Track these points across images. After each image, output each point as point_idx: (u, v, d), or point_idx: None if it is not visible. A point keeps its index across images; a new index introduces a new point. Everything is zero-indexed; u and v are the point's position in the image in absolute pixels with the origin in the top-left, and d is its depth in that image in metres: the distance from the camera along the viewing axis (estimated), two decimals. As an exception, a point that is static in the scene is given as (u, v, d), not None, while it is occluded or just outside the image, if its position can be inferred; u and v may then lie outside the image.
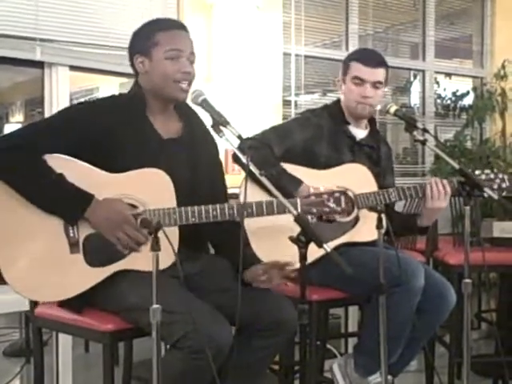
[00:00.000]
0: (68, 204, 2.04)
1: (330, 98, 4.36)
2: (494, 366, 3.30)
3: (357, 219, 2.56)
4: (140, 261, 2.02)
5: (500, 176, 2.53)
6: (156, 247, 1.71)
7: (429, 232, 2.80)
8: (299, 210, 2.06)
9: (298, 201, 2.13)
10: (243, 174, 2.03)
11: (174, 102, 2.21)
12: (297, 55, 4.37)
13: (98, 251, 2.05)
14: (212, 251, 2.38)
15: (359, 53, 2.85)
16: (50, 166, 2.04)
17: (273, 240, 2.26)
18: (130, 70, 2.26)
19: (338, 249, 2.46)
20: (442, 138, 5.14)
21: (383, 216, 2.13)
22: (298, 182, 2.52)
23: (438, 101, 5.32)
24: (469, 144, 5.01)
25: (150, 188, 2.08)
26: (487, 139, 5.06)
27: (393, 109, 2.58)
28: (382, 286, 2.15)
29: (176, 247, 1.96)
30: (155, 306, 1.73)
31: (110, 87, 4.63)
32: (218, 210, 2.07)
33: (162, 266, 1.76)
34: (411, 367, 3.33)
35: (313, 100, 4.73)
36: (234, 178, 2.61)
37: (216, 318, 1.97)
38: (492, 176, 2.53)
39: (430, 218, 2.61)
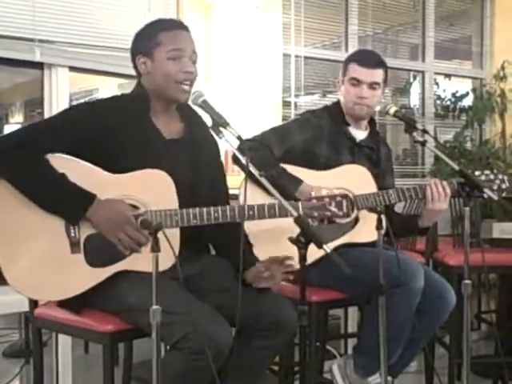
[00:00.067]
0: (70, 203, 2.04)
1: (329, 99, 4.36)
2: (494, 366, 3.30)
3: (356, 220, 2.57)
4: (140, 262, 2.02)
5: (500, 177, 2.53)
6: (156, 248, 1.71)
7: (429, 233, 2.80)
8: (301, 213, 2.06)
9: (300, 204, 2.13)
10: (243, 174, 2.03)
11: (176, 102, 2.21)
12: (296, 56, 4.37)
13: (98, 251, 2.05)
14: (213, 252, 2.38)
15: (357, 54, 2.85)
16: (52, 165, 2.04)
17: (273, 241, 2.26)
18: (129, 71, 2.26)
19: (338, 249, 2.46)
20: (442, 139, 5.13)
21: (383, 217, 2.13)
22: (299, 182, 2.52)
23: (438, 102, 5.31)
24: (468, 145, 5.01)
25: (151, 189, 2.08)
26: (487, 140, 5.06)
27: (392, 110, 2.59)
28: (382, 287, 2.15)
29: (177, 249, 1.97)
30: (155, 306, 1.73)
31: (109, 88, 4.63)
32: (220, 212, 2.07)
33: (162, 268, 1.76)
34: (411, 368, 3.33)
35: (312, 101, 4.72)
36: (234, 179, 2.61)
37: (216, 319, 1.97)
38: (492, 177, 2.53)
39: (431, 219, 2.61)
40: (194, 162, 2.22)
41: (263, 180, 1.93)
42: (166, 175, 2.09)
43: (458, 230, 3.46)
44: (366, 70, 2.66)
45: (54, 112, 3.37)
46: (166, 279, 1.91)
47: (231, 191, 2.41)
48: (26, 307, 2.33)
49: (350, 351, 3.01)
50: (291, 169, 2.58)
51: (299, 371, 2.54)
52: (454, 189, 2.53)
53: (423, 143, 2.52)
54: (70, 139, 2.08)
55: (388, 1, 4.90)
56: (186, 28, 2.22)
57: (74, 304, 2.10)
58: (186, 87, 2.15)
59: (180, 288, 1.96)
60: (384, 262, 2.15)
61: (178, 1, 3.82)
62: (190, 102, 2.17)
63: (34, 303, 2.29)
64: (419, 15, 5.11)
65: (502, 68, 4.89)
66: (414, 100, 5.25)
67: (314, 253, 1.81)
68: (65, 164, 2.06)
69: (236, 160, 2.48)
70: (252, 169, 1.93)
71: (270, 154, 2.59)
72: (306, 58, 4.44)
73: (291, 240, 1.80)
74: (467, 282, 2.34)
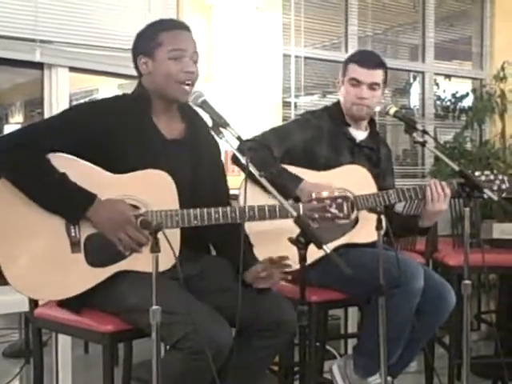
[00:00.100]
0: (70, 203, 2.04)
1: (329, 100, 4.36)
2: (494, 367, 3.30)
3: (356, 220, 2.56)
4: (141, 262, 2.03)
5: (500, 177, 2.53)
6: (156, 248, 1.71)
7: (429, 233, 2.81)
8: (301, 213, 2.06)
9: (301, 205, 2.13)
10: (243, 175, 2.03)
11: (177, 102, 2.21)
12: (296, 56, 4.37)
13: (99, 251, 2.06)
14: (213, 252, 2.38)
15: (357, 54, 2.85)
16: (52, 165, 2.04)
17: (273, 242, 2.26)
18: (129, 71, 2.26)
19: (338, 250, 2.46)
20: (442, 140, 5.13)
21: (383, 217, 2.13)
22: (299, 180, 2.52)
23: (438, 102, 5.31)
24: (468, 146, 5.01)
25: (152, 189, 2.09)
26: (487, 141, 5.06)
27: (392, 110, 2.59)
28: (382, 287, 2.15)
29: (177, 249, 1.97)
30: (155, 306, 1.73)
31: (109, 88, 4.63)
32: (221, 213, 2.07)
33: (162, 268, 1.76)
34: (411, 368, 3.33)
35: (312, 101, 4.73)
36: (234, 179, 2.61)
37: (216, 319, 1.97)
38: (492, 177, 2.53)
39: (431, 219, 2.61)
40: (194, 163, 2.22)
41: (263, 180, 1.93)
42: (167, 175, 2.09)
43: (458, 230, 3.46)
44: (366, 70, 2.66)
45: (54, 112, 3.37)
46: (166, 279, 1.91)
47: (231, 191, 2.41)
48: (26, 307, 2.33)
49: (349, 351, 3.01)
50: (291, 169, 2.58)
51: (299, 371, 2.54)
52: (454, 189, 2.53)
53: (423, 144, 2.52)
54: (70, 139, 2.08)
55: (388, 1, 4.90)
56: (187, 28, 2.22)
57: (74, 304, 2.10)
58: (187, 87, 2.14)
59: (180, 288, 1.95)
60: (384, 263, 2.15)
61: (178, 1, 3.83)
62: (189, 102, 2.17)
63: (34, 303, 2.29)
64: (419, 16, 5.11)
65: (502, 68, 4.89)
66: (414, 100, 5.26)
67: (313, 253, 1.81)
68: (66, 163, 2.06)
69: (235, 160, 2.48)
70: (252, 169, 1.93)
71: (270, 154, 2.59)
72: (305, 58, 4.44)
73: (291, 240, 1.80)
74: (467, 282, 2.34)
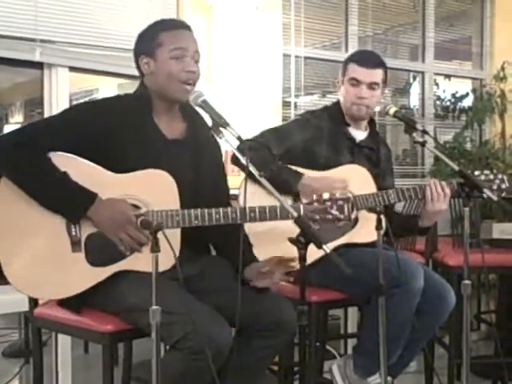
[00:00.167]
0: (71, 202, 2.04)
1: (329, 100, 4.36)
2: (494, 367, 3.30)
3: (356, 220, 2.56)
4: (141, 262, 2.03)
5: (499, 177, 2.53)
6: (156, 248, 1.71)
7: (428, 233, 2.80)
8: (301, 213, 2.06)
9: (301, 206, 2.13)
10: (243, 175, 2.03)
11: (178, 102, 2.21)
12: (296, 56, 4.37)
13: (99, 251, 2.06)
14: (213, 252, 2.38)
15: (357, 54, 2.86)
16: (53, 163, 2.04)
17: (273, 242, 2.26)
18: (129, 71, 2.27)
19: (338, 250, 2.46)
20: (442, 140, 5.13)
21: (382, 217, 2.13)
22: (300, 175, 2.52)
23: (438, 102, 5.32)
24: (468, 146, 5.01)
25: (153, 189, 2.09)
26: (487, 141, 5.07)
27: (392, 110, 2.59)
28: (382, 287, 2.15)
29: (178, 249, 1.97)
30: (155, 306, 1.73)
31: (109, 88, 4.63)
32: (221, 214, 2.07)
33: (162, 268, 1.76)
34: (411, 368, 3.33)
35: (312, 101, 4.73)
36: (234, 179, 2.61)
37: (215, 319, 1.97)
38: (491, 177, 2.53)
39: (431, 219, 2.61)
40: (195, 163, 2.22)
41: (263, 180, 1.93)
42: (168, 175, 2.09)
43: (458, 230, 3.46)
44: (366, 70, 2.66)
45: (54, 112, 3.37)
46: (166, 279, 1.91)
47: (231, 191, 2.42)
48: (25, 307, 2.33)
49: (349, 351, 3.01)
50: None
51: (299, 371, 2.54)
52: (454, 189, 2.53)
53: (423, 144, 2.52)
54: (70, 139, 2.08)
55: (388, 1, 4.90)
56: (188, 28, 2.22)
57: (74, 303, 2.10)
58: (189, 87, 2.14)
59: (180, 288, 1.95)
60: (384, 262, 2.15)
61: (178, 1, 3.83)
62: (190, 102, 2.17)
63: (33, 303, 2.29)
64: (419, 16, 5.11)
65: (502, 69, 4.89)
66: (414, 100, 5.26)
67: (313, 253, 1.82)
68: (67, 162, 2.06)
69: (235, 160, 2.48)
70: (252, 169, 1.93)
71: (269, 154, 2.59)
72: (305, 58, 4.44)
73: (291, 240, 1.80)
74: (467, 282, 2.34)
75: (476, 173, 2.52)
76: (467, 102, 5.30)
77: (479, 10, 5.38)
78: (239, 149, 2.06)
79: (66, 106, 3.50)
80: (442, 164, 4.51)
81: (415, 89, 5.24)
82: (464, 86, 5.38)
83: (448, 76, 5.35)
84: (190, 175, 2.18)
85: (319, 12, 4.58)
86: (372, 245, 2.38)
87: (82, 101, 4.21)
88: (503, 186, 2.52)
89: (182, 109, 2.26)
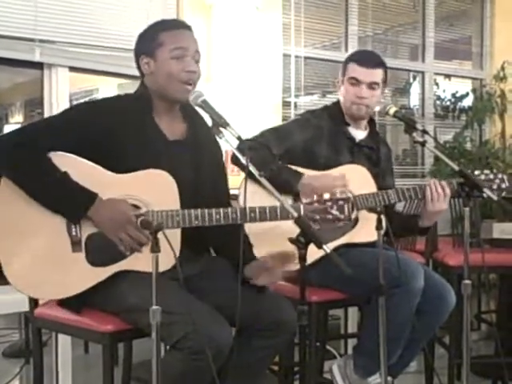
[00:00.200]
0: (71, 202, 2.04)
1: (329, 100, 4.35)
2: (494, 366, 3.30)
3: (356, 220, 2.56)
4: (141, 262, 2.03)
5: (499, 176, 2.52)
6: (156, 248, 1.71)
7: (429, 233, 2.80)
8: (301, 213, 2.06)
9: (302, 206, 2.13)
10: (243, 175, 2.03)
11: (178, 102, 2.21)
12: (296, 56, 4.37)
13: (99, 251, 2.05)
14: (213, 252, 2.38)
15: (357, 54, 2.86)
16: (54, 163, 2.04)
17: (274, 242, 2.26)
18: (129, 71, 2.27)
19: (338, 250, 2.46)
20: (442, 140, 5.14)
21: (383, 217, 2.13)
22: (300, 174, 2.52)
23: (438, 102, 5.32)
24: (468, 145, 5.01)
25: (154, 189, 2.08)
26: (487, 141, 5.07)
27: (392, 110, 2.59)
28: (382, 287, 2.15)
29: (178, 249, 1.97)
30: (155, 306, 1.73)
31: (109, 88, 4.63)
32: (222, 214, 2.06)
33: (162, 268, 1.76)
34: (411, 368, 3.33)
35: (312, 101, 4.73)
36: (234, 179, 2.61)
37: (216, 319, 1.97)
38: (491, 176, 2.53)
39: (431, 219, 2.61)
40: (195, 163, 2.22)
41: (263, 180, 1.93)
42: (169, 175, 2.09)
43: (458, 230, 3.46)
44: (366, 69, 2.67)
45: (54, 112, 3.37)
46: (166, 279, 1.91)
47: (231, 191, 2.41)
48: (26, 307, 2.33)
49: (350, 351, 3.01)
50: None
51: (299, 371, 2.54)
52: (454, 189, 2.53)
53: (423, 143, 2.52)
54: (70, 139, 2.08)
55: (388, 1, 4.91)
56: (188, 27, 2.21)
57: (74, 303, 2.10)
58: (189, 87, 2.14)
59: (180, 288, 1.95)
60: (384, 262, 2.15)
61: (178, 1, 3.83)
62: (190, 102, 2.16)
63: (34, 303, 2.29)
64: (419, 15, 5.11)
65: (502, 68, 4.89)
66: (414, 100, 5.26)
67: (313, 253, 1.81)
68: (67, 162, 2.06)
69: (235, 160, 2.48)
70: (252, 169, 1.93)
71: (269, 154, 2.59)
72: (305, 58, 4.45)
73: (291, 240, 1.80)
74: (467, 282, 2.34)
75: (476, 172, 2.52)
76: (467, 102, 5.30)
77: (479, 9, 5.38)
78: (239, 149, 2.06)
79: (66, 106, 3.50)
80: (442, 164, 4.51)
81: (415, 89, 5.24)
82: (464, 86, 5.39)
83: (448, 76, 5.35)
84: (190, 175, 2.18)
85: (319, 12, 4.58)
86: (372, 245, 2.38)
87: (82, 101, 4.20)
88: (503, 186, 2.52)
89: (182, 109, 2.26)
